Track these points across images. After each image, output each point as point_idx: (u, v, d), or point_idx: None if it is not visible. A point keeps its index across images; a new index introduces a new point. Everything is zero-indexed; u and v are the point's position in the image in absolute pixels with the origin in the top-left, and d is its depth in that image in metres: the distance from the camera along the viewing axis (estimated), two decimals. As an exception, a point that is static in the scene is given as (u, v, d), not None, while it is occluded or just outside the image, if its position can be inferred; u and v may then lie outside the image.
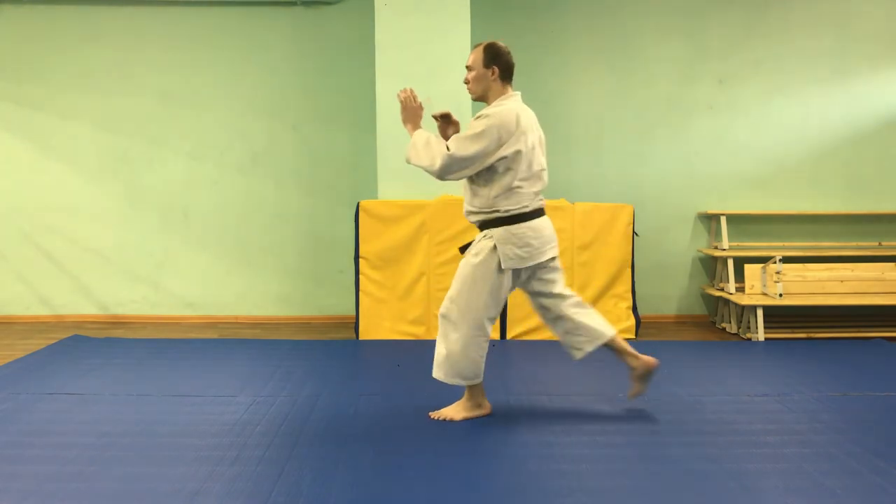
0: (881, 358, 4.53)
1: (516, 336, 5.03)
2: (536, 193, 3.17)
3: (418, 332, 5.01)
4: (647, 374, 3.34)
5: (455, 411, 3.28)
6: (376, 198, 5.17)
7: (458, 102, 5.05)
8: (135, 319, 5.86)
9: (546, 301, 3.29)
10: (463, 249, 3.30)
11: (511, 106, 3.12)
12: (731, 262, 5.42)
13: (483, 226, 3.18)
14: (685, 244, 5.91)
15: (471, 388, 3.27)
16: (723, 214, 5.63)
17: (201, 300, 5.90)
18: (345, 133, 5.83)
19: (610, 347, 3.32)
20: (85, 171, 5.85)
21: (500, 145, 3.05)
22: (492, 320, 3.20)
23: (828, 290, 5.33)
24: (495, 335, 5.00)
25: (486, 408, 3.31)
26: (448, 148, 3.05)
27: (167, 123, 5.84)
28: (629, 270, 5.15)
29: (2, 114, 5.85)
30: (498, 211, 3.11)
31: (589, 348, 3.30)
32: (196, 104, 5.83)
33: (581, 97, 5.87)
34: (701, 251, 5.86)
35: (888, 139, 5.86)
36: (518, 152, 3.07)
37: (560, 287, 3.30)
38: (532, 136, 3.14)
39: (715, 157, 5.86)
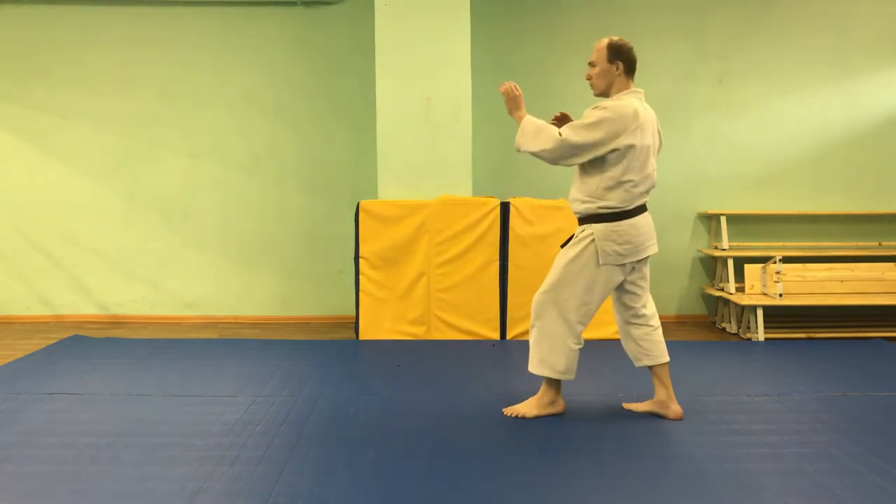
0: (881, 358, 4.53)
1: (516, 336, 5.03)
2: (643, 193, 3.17)
3: (418, 332, 5.01)
4: (661, 414, 3.31)
5: (528, 407, 3.29)
6: (376, 198, 5.17)
7: (459, 102, 5.08)
8: (135, 319, 5.86)
9: (629, 299, 3.28)
10: (564, 245, 3.29)
11: (631, 101, 3.12)
12: (731, 262, 5.42)
13: (584, 219, 3.18)
14: (685, 244, 5.91)
15: (548, 382, 3.28)
16: (723, 214, 5.63)
17: (201, 300, 5.90)
18: (345, 133, 5.84)
19: (657, 371, 3.30)
20: (85, 171, 5.85)
21: (614, 137, 3.04)
22: (586, 315, 3.19)
23: (828, 290, 5.33)
24: (495, 335, 5.01)
25: (560, 406, 3.31)
26: (560, 134, 3.07)
27: (167, 123, 5.84)
28: (629, 270, 5.14)
29: (2, 114, 5.85)
30: (603, 203, 3.11)
31: (647, 363, 3.30)
32: (196, 104, 5.84)
33: (581, 97, 5.84)
34: (701, 251, 5.86)
35: (888, 139, 5.86)
36: (631, 147, 3.06)
37: (647, 287, 3.31)
38: (648, 135, 3.12)
39: (715, 157, 5.86)
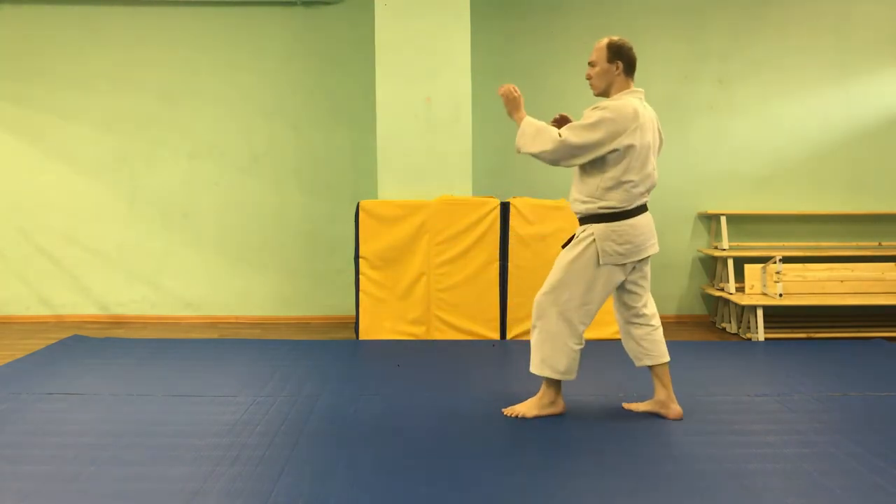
0: (881, 358, 4.53)
1: (516, 336, 5.03)
2: (643, 193, 3.17)
3: (418, 332, 5.01)
4: (661, 414, 3.31)
5: (528, 408, 3.29)
6: (376, 198, 5.17)
7: (459, 102, 5.08)
8: (135, 319, 5.86)
9: (630, 299, 3.28)
10: (565, 245, 3.29)
11: (631, 101, 3.12)
12: (731, 262, 5.42)
13: (585, 219, 3.18)
14: (685, 244, 5.91)
15: (548, 383, 3.27)
16: (723, 214, 5.63)
17: (201, 300, 5.90)
18: (345, 133, 5.84)
19: (657, 371, 3.31)
20: (85, 171, 5.85)
21: (614, 137, 3.04)
22: (587, 315, 3.19)
23: (828, 290, 5.33)
24: (495, 335, 5.01)
25: (560, 406, 3.31)
26: (560, 135, 3.07)
27: (167, 123, 5.84)
28: (629, 270, 5.15)
29: (2, 114, 5.85)
30: (603, 203, 3.11)
31: (648, 363, 3.30)
32: (196, 104, 5.84)
33: (581, 97, 5.84)
34: (701, 251, 5.86)
35: (888, 139, 5.86)
36: (631, 147, 3.06)
37: (647, 287, 3.31)
38: (648, 134, 3.12)
39: (715, 157, 5.86)
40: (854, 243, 5.78)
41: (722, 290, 5.53)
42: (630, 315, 3.30)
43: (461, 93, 5.04)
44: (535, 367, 3.24)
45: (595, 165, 3.12)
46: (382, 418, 3.28)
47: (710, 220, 5.90)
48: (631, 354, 3.35)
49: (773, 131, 5.85)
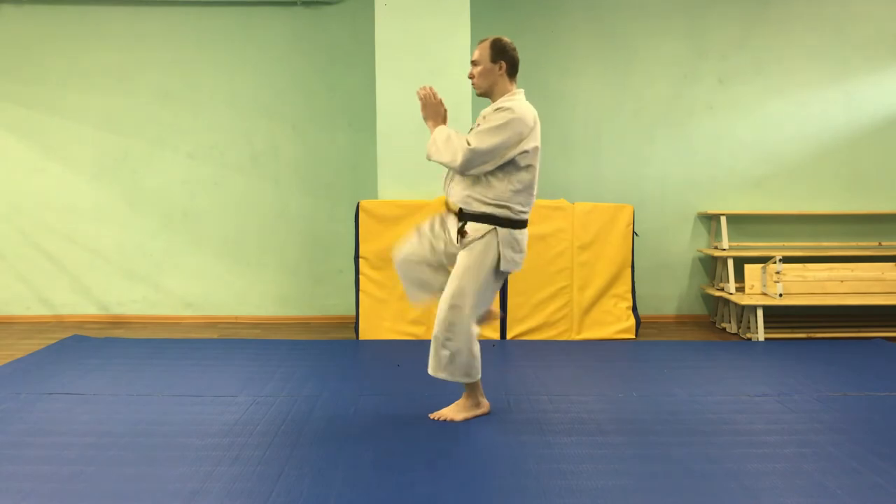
0: (881, 358, 4.53)
1: (516, 336, 5.03)
2: (534, 196, 3.18)
3: (418, 332, 5.01)
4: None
5: (455, 411, 3.27)
6: (376, 198, 5.17)
7: (459, 102, 5.07)
8: (135, 319, 5.86)
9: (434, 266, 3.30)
10: (461, 232, 3.16)
11: (526, 102, 3.13)
12: (731, 262, 5.42)
13: (484, 219, 3.09)
14: (685, 244, 5.91)
15: (469, 387, 3.27)
16: (723, 214, 5.63)
17: (201, 300, 5.90)
18: (345, 133, 5.83)
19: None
20: (85, 171, 5.85)
21: (520, 140, 3.03)
22: (478, 317, 3.21)
23: (828, 290, 5.33)
24: (495, 335, 5.01)
25: (485, 406, 3.31)
26: (469, 143, 3.02)
27: (167, 123, 5.84)
28: (629, 270, 5.15)
29: (2, 114, 5.85)
30: (509, 208, 3.07)
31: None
32: (196, 104, 5.84)
33: (581, 97, 5.87)
34: (701, 251, 5.86)
35: (888, 139, 5.86)
36: (537, 149, 3.08)
37: None
38: (539, 137, 3.12)
39: (715, 157, 5.86)
40: (854, 243, 5.78)
41: (722, 290, 5.53)
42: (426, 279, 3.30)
43: (461, 93, 5.04)
44: (451, 376, 3.16)
45: (503, 169, 3.06)
46: (382, 418, 3.28)
47: (710, 220, 5.90)
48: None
49: (773, 131, 5.85)
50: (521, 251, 3.16)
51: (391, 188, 5.09)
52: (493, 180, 3.08)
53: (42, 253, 5.87)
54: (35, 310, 5.90)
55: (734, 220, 5.77)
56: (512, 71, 3.15)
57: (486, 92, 3.18)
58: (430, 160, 3.20)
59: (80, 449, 2.86)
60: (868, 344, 4.92)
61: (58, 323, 5.80)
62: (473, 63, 3.16)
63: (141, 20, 5.79)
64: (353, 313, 5.34)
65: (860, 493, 2.48)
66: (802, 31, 5.80)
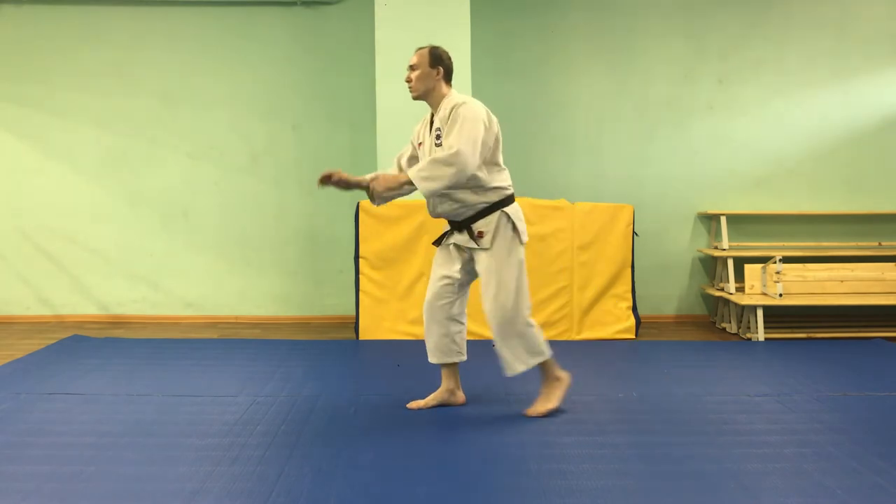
0: (881, 358, 4.53)
1: (516, 336, 5.02)
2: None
3: (418, 332, 5.00)
4: (446, 403, 3.41)
5: (546, 400, 3.33)
6: (376, 198, 5.16)
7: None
8: (135, 319, 5.86)
9: (463, 296, 3.42)
10: (437, 242, 3.38)
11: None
12: (731, 262, 5.42)
13: (485, 211, 3.19)
14: (685, 244, 5.91)
15: (545, 367, 3.33)
16: (723, 214, 5.63)
17: (201, 300, 5.90)
18: (345, 133, 5.83)
19: (452, 370, 3.45)
20: (85, 171, 5.85)
21: (489, 122, 3.15)
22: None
23: (828, 290, 5.33)
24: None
25: (565, 377, 3.40)
26: (454, 152, 3.02)
27: (167, 124, 5.84)
28: (629, 270, 5.15)
29: (2, 114, 5.85)
30: (497, 188, 3.20)
31: (457, 360, 3.42)
32: (196, 104, 5.84)
33: (581, 97, 5.87)
34: (701, 251, 5.86)
35: (888, 139, 5.86)
36: (498, 132, 3.21)
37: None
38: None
39: (715, 157, 5.86)
40: (854, 243, 5.77)
41: (722, 290, 5.52)
42: (456, 313, 3.39)
43: (461, 92, 5.03)
44: (527, 364, 3.27)
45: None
46: (382, 418, 3.28)
47: (710, 220, 5.90)
48: (440, 350, 3.38)
49: (773, 131, 5.85)
50: (522, 220, 3.27)
51: (391, 188, 5.08)
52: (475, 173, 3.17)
53: (42, 253, 5.87)
54: (35, 310, 5.90)
55: (734, 220, 5.77)
56: (448, 76, 3.30)
57: (422, 94, 3.29)
58: (435, 195, 3.18)
59: (80, 449, 2.86)
60: (868, 344, 4.92)
61: (58, 323, 5.80)
62: (411, 67, 3.27)
63: (141, 20, 5.80)
64: (353, 313, 5.34)
65: (860, 493, 2.48)
66: (802, 31, 5.80)
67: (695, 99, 5.84)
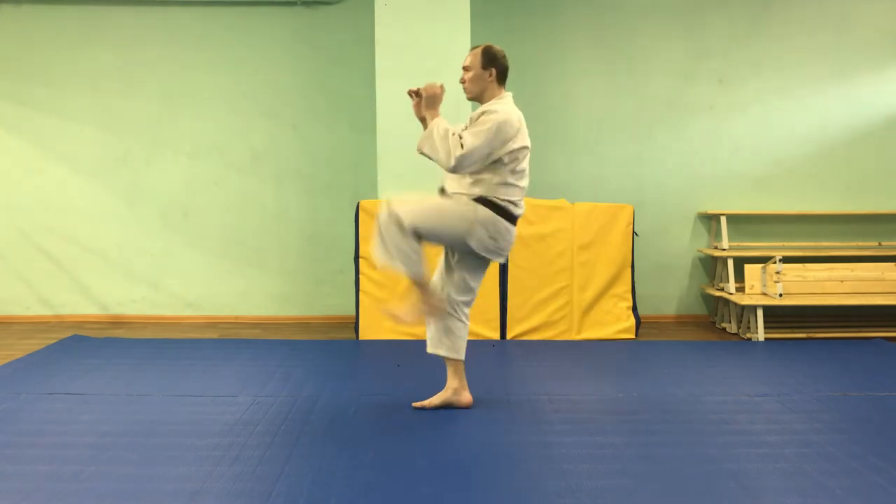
0: (881, 358, 4.53)
1: (516, 336, 5.03)
2: (523, 192, 3.23)
3: (418, 332, 5.00)
4: (450, 404, 3.39)
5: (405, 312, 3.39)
6: (376, 198, 5.16)
7: (459, 101, 5.06)
8: (135, 319, 5.86)
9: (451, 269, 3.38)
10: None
11: (513, 106, 3.20)
12: (731, 262, 5.42)
13: (477, 199, 3.17)
14: (685, 244, 5.91)
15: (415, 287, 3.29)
16: (723, 214, 5.63)
17: (201, 300, 5.90)
18: (345, 133, 5.83)
19: (454, 367, 3.42)
20: (85, 171, 5.85)
21: (506, 141, 3.09)
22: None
23: (828, 290, 5.33)
24: (495, 335, 5.01)
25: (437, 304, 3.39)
26: (462, 145, 3.05)
27: (167, 124, 5.84)
28: (629, 270, 5.15)
29: (2, 114, 5.85)
30: (495, 199, 3.15)
31: (442, 353, 3.38)
32: (196, 104, 5.84)
33: (581, 97, 5.87)
34: (701, 251, 5.86)
35: (888, 139, 5.86)
36: (524, 148, 3.15)
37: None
38: (526, 137, 3.20)
39: (715, 157, 5.86)
40: (854, 243, 5.77)
41: (722, 290, 5.52)
42: (454, 303, 3.38)
43: (461, 92, 5.02)
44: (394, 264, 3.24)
45: (491, 167, 3.13)
46: (382, 418, 3.28)
47: (710, 220, 5.90)
48: (432, 341, 3.40)
49: (773, 131, 5.85)
50: (500, 240, 3.17)
51: (391, 188, 5.08)
52: (482, 176, 3.16)
53: (42, 253, 5.87)
54: (35, 310, 5.90)
55: (734, 220, 5.77)
56: (502, 77, 3.25)
57: (476, 96, 3.27)
58: (420, 153, 3.20)
59: (80, 449, 2.86)
60: (868, 344, 4.92)
61: (58, 323, 5.80)
62: (465, 69, 3.24)
63: (141, 20, 5.80)
64: (353, 313, 5.34)
65: (860, 493, 2.48)
66: (802, 31, 5.80)
67: (695, 99, 5.84)
